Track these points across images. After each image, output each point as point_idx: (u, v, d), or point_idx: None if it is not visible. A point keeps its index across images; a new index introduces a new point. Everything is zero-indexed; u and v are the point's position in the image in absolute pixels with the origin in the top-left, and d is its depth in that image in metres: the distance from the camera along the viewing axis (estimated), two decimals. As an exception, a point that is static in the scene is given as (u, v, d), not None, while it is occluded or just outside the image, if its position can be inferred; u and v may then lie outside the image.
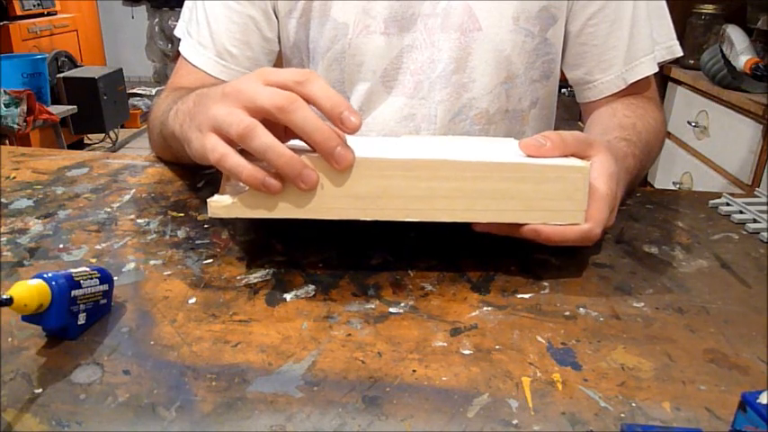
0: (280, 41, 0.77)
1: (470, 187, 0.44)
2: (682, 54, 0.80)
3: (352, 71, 0.73)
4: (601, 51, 0.73)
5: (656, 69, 0.75)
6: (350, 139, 0.63)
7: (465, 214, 0.45)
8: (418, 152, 0.49)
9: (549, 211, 0.46)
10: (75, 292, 0.37)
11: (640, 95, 0.75)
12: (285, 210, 0.44)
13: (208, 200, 0.44)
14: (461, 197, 0.45)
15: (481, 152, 0.52)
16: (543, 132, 0.48)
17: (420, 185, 0.44)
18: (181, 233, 0.54)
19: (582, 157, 0.49)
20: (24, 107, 2.55)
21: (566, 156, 0.48)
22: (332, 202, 0.44)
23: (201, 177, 0.68)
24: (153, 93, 3.99)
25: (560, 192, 0.45)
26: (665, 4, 0.78)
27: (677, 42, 0.79)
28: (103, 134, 3.49)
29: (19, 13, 3.34)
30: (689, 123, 1.96)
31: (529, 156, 0.47)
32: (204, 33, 0.73)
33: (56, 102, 3.09)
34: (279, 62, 0.80)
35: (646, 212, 0.62)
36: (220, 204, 0.43)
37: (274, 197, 0.43)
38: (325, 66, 0.74)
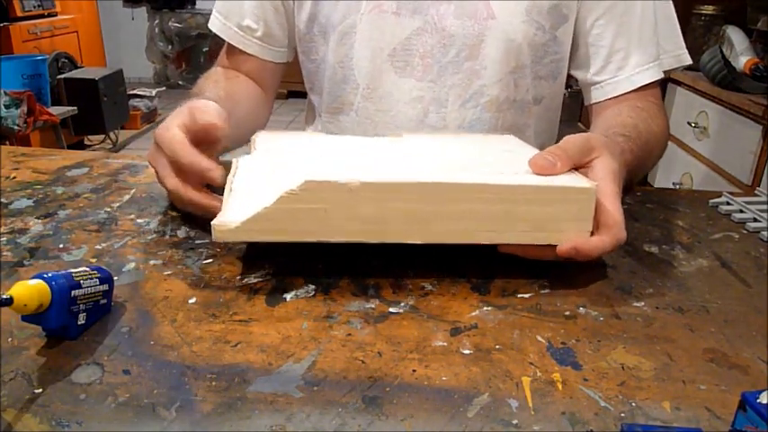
0: (294, 17, 0.79)
1: (476, 209, 0.44)
2: (690, 62, 0.81)
3: (360, 47, 0.74)
4: (608, 53, 0.74)
5: (662, 76, 0.76)
6: (346, 141, 0.63)
7: (471, 236, 0.45)
8: (421, 170, 0.49)
9: (556, 231, 0.46)
10: (75, 292, 0.37)
11: (647, 101, 0.76)
12: (291, 233, 0.44)
13: (212, 222, 0.43)
14: (467, 219, 0.44)
15: (483, 165, 0.52)
16: (549, 150, 0.49)
17: (425, 208, 0.44)
18: (181, 233, 0.54)
19: (586, 163, 0.50)
20: (25, 108, 2.55)
21: (573, 166, 0.49)
22: (337, 226, 0.44)
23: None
24: (153, 94, 3.98)
25: (567, 212, 0.45)
26: (674, 13, 0.79)
27: (686, 51, 0.80)
28: (104, 135, 3.49)
29: (19, 14, 3.33)
30: (689, 124, 1.96)
31: (538, 174, 0.47)
32: (227, 6, 0.80)
33: (56, 103, 3.08)
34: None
35: (646, 212, 0.62)
36: (225, 228, 0.43)
37: (280, 221, 0.43)
38: (335, 40, 0.76)
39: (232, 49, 0.81)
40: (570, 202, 0.45)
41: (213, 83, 0.76)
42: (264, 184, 0.47)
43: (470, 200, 0.44)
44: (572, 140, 0.50)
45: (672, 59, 0.79)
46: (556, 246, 0.46)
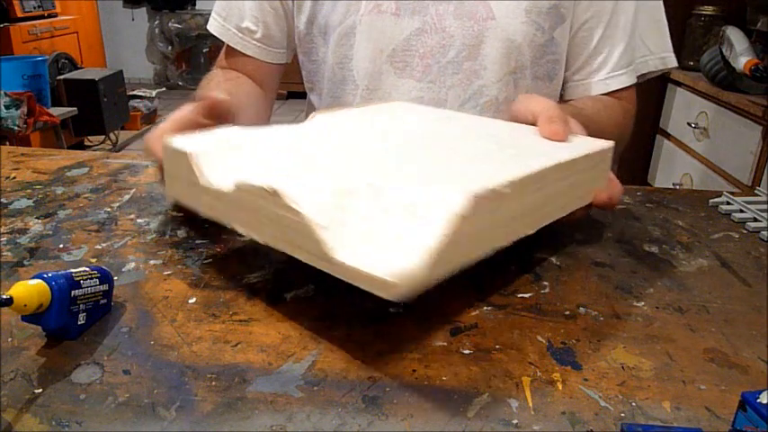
0: (294, 18, 0.79)
1: (557, 187, 0.46)
2: (676, 65, 0.84)
3: (359, 48, 0.75)
4: (590, 55, 0.77)
5: (635, 81, 0.79)
6: (292, 133, 0.54)
7: (550, 215, 0.46)
8: (485, 156, 0.47)
9: (591, 191, 0.51)
10: (75, 292, 0.37)
11: (613, 98, 0.79)
12: (462, 258, 0.37)
13: (385, 277, 0.32)
14: (551, 200, 0.45)
15: (510, 145, 0.52)
16: (551, 117, 0.52)
17: (536, 195, 0.43)
18: (181, 233, 0.54)
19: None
20: (25, 109, 2.56)
21: None
22: (490, 236, 0.39)
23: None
24: (153, 95, 3.99)
25: (598, 171, 0.51)
26: (663, 15, 0.82)
27: (672, 54, 0.83)
28: (104, 136, 3.49)
29: (19, 14, 3.34)
30: (689, 125, 1.96)
31: (557, 141, 0.51)
32: (226, 8, 0.80)
33: (56, 103, 3.09)
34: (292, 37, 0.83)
35: (646, 211, 0.62)
36: (411, 276, 0.32)
37: (453, 251, 0.35)
38: (335, 41, 0.76)
39: (231, 51, 0.81)
40: (602, 162, 0.51)
41: (215, 84, 0.76)
42: (347, 209, 0.38)
43: (559, 179, 0.45)
44: (551, 107, 0.54)
45: (657, 61, 0.82)
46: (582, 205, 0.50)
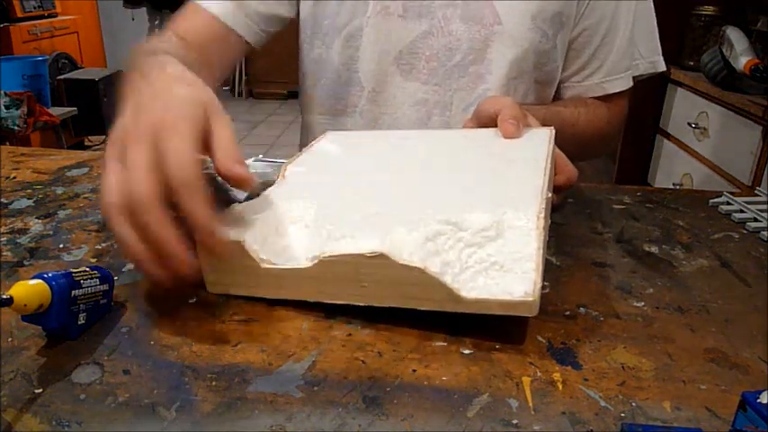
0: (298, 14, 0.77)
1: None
2: (664, 69, 0.87)
3: (366, 50, 0.74)
4: (587, 60, 0.78)
5: (631, 85, 0.80)
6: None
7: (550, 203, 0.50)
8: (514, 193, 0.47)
9: (553, 176, 0.54)
10: (75, 292, 0.37)
11: (600, 102, 0.80)
12: None
13: (518, 296, 0.36)
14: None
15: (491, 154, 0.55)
16: (509, 117, 0.57)
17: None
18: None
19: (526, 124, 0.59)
20: (25, 109, 2.56)
21: None
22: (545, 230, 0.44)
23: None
24: (153, 94, 3.98)
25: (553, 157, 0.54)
26: (654, 20, 0.84)
27: (661, 59, 0.85)
28: (104, 136, 3.49)
29: (20, 14, 3.34)
30: (689, 125, 1.96)
31: (512, 137, 0.56)
32: None
33: (56, 103, 3.09)
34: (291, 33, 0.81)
35: (646, 211, 0.62)
36: (535, 284, 0.37)
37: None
38: (341, 42, 0.75)
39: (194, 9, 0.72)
40: (555, 147, 0.55)
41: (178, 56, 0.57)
42: (440, 252, 0.40)
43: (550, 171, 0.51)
44: (507, 106, 0.58)
45: (647, 65, 0.84)
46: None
